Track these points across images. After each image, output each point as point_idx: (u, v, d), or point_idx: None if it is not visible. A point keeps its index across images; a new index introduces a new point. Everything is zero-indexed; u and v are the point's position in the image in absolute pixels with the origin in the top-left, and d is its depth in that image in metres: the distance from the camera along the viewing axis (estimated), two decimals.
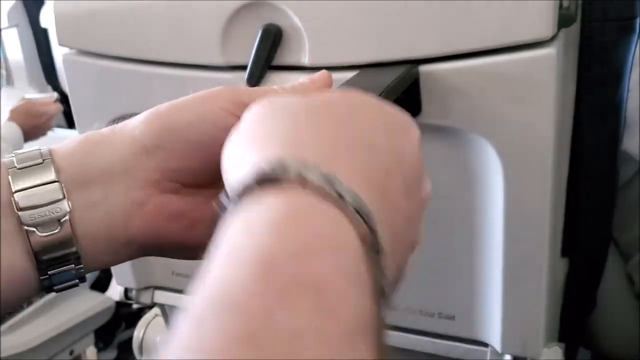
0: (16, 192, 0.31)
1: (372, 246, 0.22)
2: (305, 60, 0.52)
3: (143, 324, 0.94)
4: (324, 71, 0.39)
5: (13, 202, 0.31)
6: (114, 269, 0.74)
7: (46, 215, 0.31)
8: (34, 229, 0.31)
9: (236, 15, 0.52)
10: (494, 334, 0.57)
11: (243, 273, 0.19)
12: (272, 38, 0.52)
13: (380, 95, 0.37)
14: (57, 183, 0.32)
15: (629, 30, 0.50)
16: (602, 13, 0.49)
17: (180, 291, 0.73)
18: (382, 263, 0.22)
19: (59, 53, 1.57)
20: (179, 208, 0.35)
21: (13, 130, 1.30)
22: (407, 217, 0.28)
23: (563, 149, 0.53)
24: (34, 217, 0.31)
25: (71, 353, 1.44)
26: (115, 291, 0.79)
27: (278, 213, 0.21)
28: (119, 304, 1.49)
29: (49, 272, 0.32)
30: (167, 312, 0.82)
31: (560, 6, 0.45)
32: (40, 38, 1.63)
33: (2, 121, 1.32)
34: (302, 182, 0.22)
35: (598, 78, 0.51)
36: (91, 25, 0.59)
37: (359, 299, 0.20)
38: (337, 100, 0.29)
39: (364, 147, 0.27)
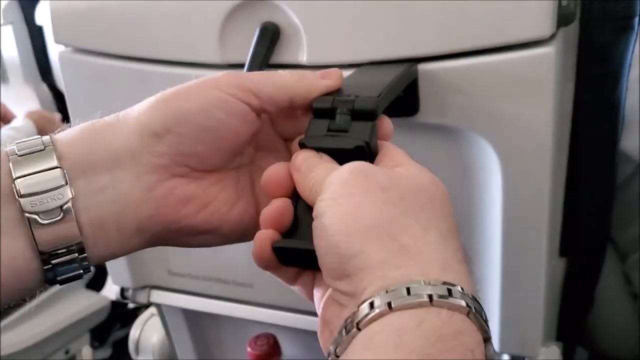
0: (17, 178, 0.31)
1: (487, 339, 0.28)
2: (303, 59, 0.52)
3: (139, 323, 0.94)
4: (336, 69, 0.39)
5: (14, 189, 0.31)
6: (110, 268, 0.74)
7: (48, 202, 0.31)
8: (35, 216, 0.31)
9: (234, 13, 0.52)
10: (492, 334, 0.56)
11: None
12: (270, 36, 0.51)
13: (380, 95, 0.37)
14: (59, 169, 0.31)
15: (627, 29, 0.50)
16: (601, 12, 0.49)
17: (177, 291, 0.72)
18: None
19: (54, 51, 1.56)
20: (188, 192, 0.35)
21: (28, 126, 1.31)
22: None
23: (562, 148, 0.53)
24: (35, 204, 0.31)
25: (67, 352, 1.44)
26: (110, 290, 0.78)
27: (451, 335, 0.25)
28: (114, 303, 1.49)
29: (52, 262, 0.31)
30: (163, 311, 0.82)
31: (560, 5, 0.45)
32: (36, 36, 1.62)
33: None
34: (431, 299, 0.26)
35: (597, 77, 0.51)
36: (87, 23, 0.58)
37: None
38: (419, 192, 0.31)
39: (447, 236, 0.29)
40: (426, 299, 0.26)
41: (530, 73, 0.46)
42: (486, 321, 0.27)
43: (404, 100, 0.49)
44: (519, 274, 0.53)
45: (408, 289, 0.26)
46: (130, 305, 1.45)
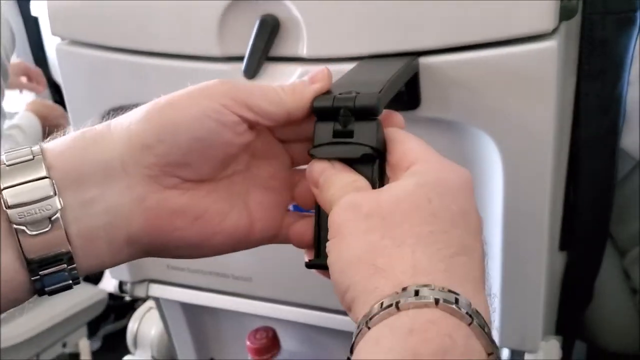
0: (4, 189, 0.30)
1: (489, 345, 0.29)
2: (303, 52, 0.51)
3: (137, 317, 0.94)
4: (323, 68, 0.39)
5: (1, 199, 0.30)
6: None
7: (36, 213, 0.30)
8: (23, 228, 0.30)
9: (233, 5, 0.52)
10: (491, 328, 0.56)
11: None
12: (270, 29, 0.51)
13: (381, 91, 0.37)
14: (47, 179, 0.31)
15: (629, 23, 0.50)
16: (603, 6, 0.48)
17: (175, 284, 0.72)
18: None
19: (50, 43, 1.56)
20: (180, 203, 0.34)
21: (31, 120, 1.27)
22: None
23: (563, 143, 0.53)
24: (23, 215, 0.30)
25: (64, 345, 1.44)
26: (108, 283, 0.78)
27: (423, 326, 0.26)
28: (109, 296, 1.49)
29: (40, 273, 0.31)
30: (161, 305, 0.82)
31: None
32: (31, 27, 1.61)
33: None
34: (436, 303, 0.27)
35: (598, 71, 0.51)
36: (85, 15, 0.58)
37: None
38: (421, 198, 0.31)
39: (460, 251, 0.30)
40: (394, 307, 0.27)
41: (532, 67, 0.45)
42: (469, 306, 0.28)
43: (405, 94, 0.48)
44: (519, 268, 0.53)
45: (381, 304, 0.27)
46: (127, 298, 1.45)
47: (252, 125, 0.36)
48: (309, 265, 0.36)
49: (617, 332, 0.74)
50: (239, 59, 0.53)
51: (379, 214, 0.31)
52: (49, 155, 0.32)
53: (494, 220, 0.52)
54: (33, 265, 0.31)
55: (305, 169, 0.37)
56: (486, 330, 0.28)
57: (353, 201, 0.32)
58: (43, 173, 0.31)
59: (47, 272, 0.31)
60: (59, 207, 0.31)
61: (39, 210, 0.30)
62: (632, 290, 0.71)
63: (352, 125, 0.35)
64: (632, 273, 0.70)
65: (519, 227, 0.51)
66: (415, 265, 0.29)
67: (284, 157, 0.40)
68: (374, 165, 0.35)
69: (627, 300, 0.72)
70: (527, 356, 0.56)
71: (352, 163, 0.35)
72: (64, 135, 0.34)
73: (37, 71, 1.44)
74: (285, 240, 0.39)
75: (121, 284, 0.74)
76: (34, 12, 1.54)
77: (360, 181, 0.34)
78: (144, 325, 0.93)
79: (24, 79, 1.40)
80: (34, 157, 0.32)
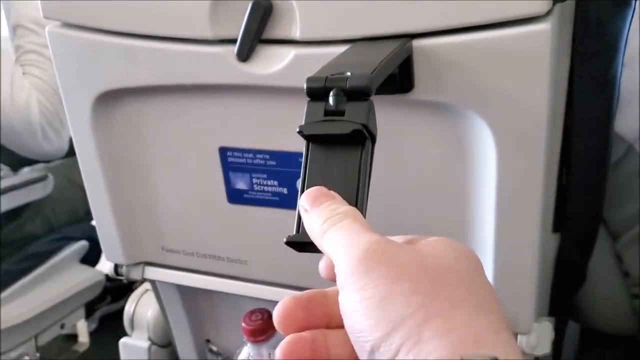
0: None
1: None
2: (297, 34, 0.51)
3: (134, 299, 0.94)
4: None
5: None
6: (103, 245, 0.73)
7: None
8: None
9: None
10: None
11: None
12: (262, 11, 0.51)
13: (373, 72, 0.36)
14: None
15: (623, 4, 0.50)
16: None
17: (171, 267, 0.73)
18: None
19: None
20: None
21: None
22: None
23: (556, 125, 0.53)
24: None
25: (62, 327, 1.45)
26: (105, 265, 0.78)
27: None
28: (106, 278, 1.49)
29: None
30: (157, 287, 0.82)
31: None
32: None
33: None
34: None
35: (592, 52, 0.51)
36: None
37: None
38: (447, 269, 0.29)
39: (479, 310, 0.28)
40: None
41: (526, 49, 0.45)
42: None
43: (399, 77, 0.48)
44: (513, 250, 0.53)
45: None
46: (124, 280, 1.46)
47: None
48: (288, 242, 0.33)
49: (608, 314, 0.74)
50: (232, 41, 0.53)
51: (425, 274, 0.29)
52: None
53: (487, 202, 0.52)
54: None
55: None
56: None
57: (385, 249, 0.29)
58: None
59: None
60: None
61: None
62: (624, 274, 0.72)
63: (344, 105, 0.35)
64: (624, 257, 0.71)
65: (513, 209, 0.52)
66: (478, 333, 0.27)
67: None
68: (364, 147, 0.34)
69: (619, 284, 0.72)
70: (520, 337, 0.57)
71: (341, 142, 0.34)
72: None
73: None
74: None
75: (117, 267, 0.74)
76: None
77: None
78: (141, 307, 0.93)
79: None
80: None
